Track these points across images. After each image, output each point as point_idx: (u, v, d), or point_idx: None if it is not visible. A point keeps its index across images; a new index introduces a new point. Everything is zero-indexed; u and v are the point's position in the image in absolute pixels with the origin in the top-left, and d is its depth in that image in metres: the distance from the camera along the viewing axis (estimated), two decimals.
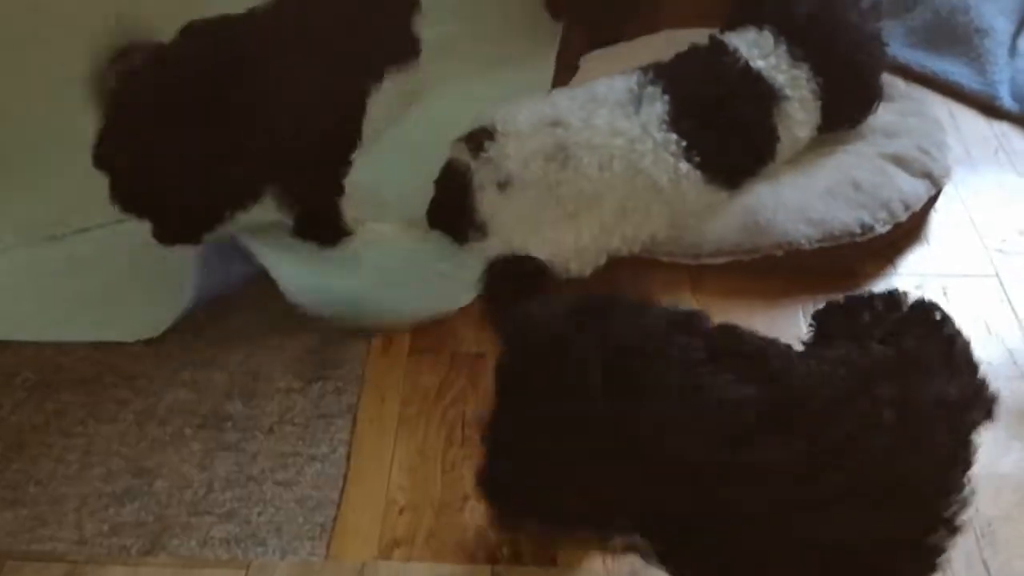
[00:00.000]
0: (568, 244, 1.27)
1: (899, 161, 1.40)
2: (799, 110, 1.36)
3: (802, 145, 1.40)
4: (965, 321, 1.15)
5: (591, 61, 1.66)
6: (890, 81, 1.54)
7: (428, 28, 1.76)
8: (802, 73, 1.36)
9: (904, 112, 1.49)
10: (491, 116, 1.30)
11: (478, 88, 1.56)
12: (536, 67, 1.67)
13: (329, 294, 1.23)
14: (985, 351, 1.22)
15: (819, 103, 1.37)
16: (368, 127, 1.31)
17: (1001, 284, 1.34)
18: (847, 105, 1.41)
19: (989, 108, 1.64)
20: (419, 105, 1.54)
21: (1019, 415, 1.15)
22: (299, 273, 1.23)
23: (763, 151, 1.36)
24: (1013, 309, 1.30)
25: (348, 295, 1.24)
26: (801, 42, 1.36)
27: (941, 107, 1.65)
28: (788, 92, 1.35)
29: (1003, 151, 1.57)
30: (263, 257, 1.22)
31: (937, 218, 1.44)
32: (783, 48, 1.36)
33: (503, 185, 1.25)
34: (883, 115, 1.48)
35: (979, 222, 1.43)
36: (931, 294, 1.30)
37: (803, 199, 1.34)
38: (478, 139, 1.28)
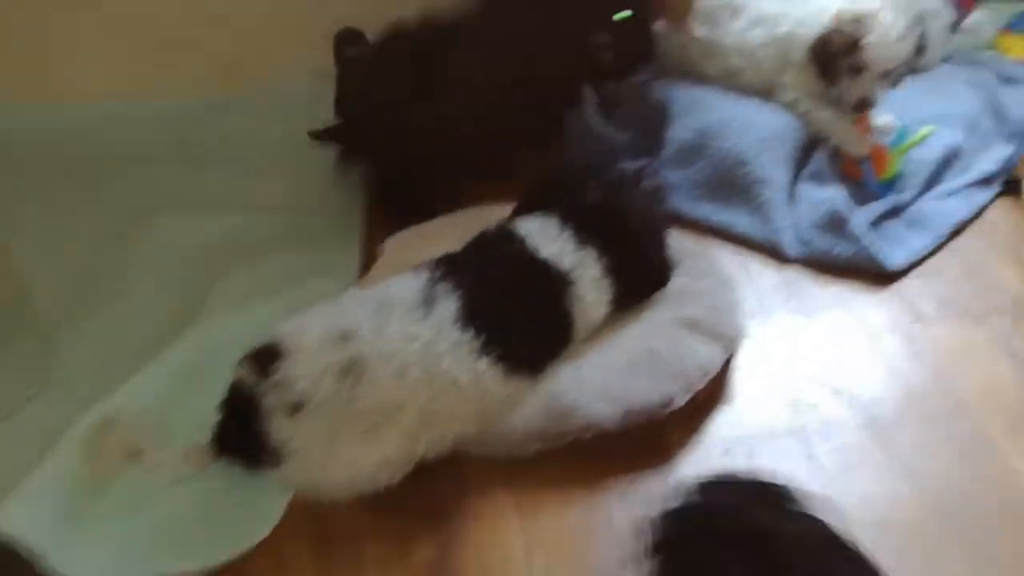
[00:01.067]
0: (371, 459, 1.22)
1: (693, 326, 1.43)
2: (590, 291, 1.38)
3: (599, 322, 1.42)
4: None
5: (390, 245, 1.65)
6: (680, 240, 1.59)
7: (217, 219, 1.75)
8: (589, 257, 1.38)
9: (695, 273, 1.54)
10: (278, 332, 1.25)
11: (271, 298, 1.53)
12: (339, 264, 1.66)
13: (105, 561, 1.14)
14: None
15: (608, 282, 1.40)
16: None
17: (804, 440, 1.36)
18: (637, 283, 1.45)
19: (777, 255, 1.72)
20: (205, 316, 1.51)
21: None
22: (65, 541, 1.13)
23: (559, 336, 1.37)
24: (820, 465, 1.32)
25: (125, 555, 1.15)
26: (587, 226, 1.40)
27: (732, 258, 1.71)
28: (576, 276, 1.37)
29: (795, 298, 1.63)
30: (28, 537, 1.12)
31: (738, 376, 1.47)
32: (568, 234, 1.38)
33: (295, 407, 1.20)
34: (675, 278, 1.52)
35: (778, 376, 1.47)
36: (738, 458, 1.34)
37: (603, 377, 1.35)
38: (265, 358, 1.23)
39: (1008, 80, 2.11)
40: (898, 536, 1.22)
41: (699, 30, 1.97)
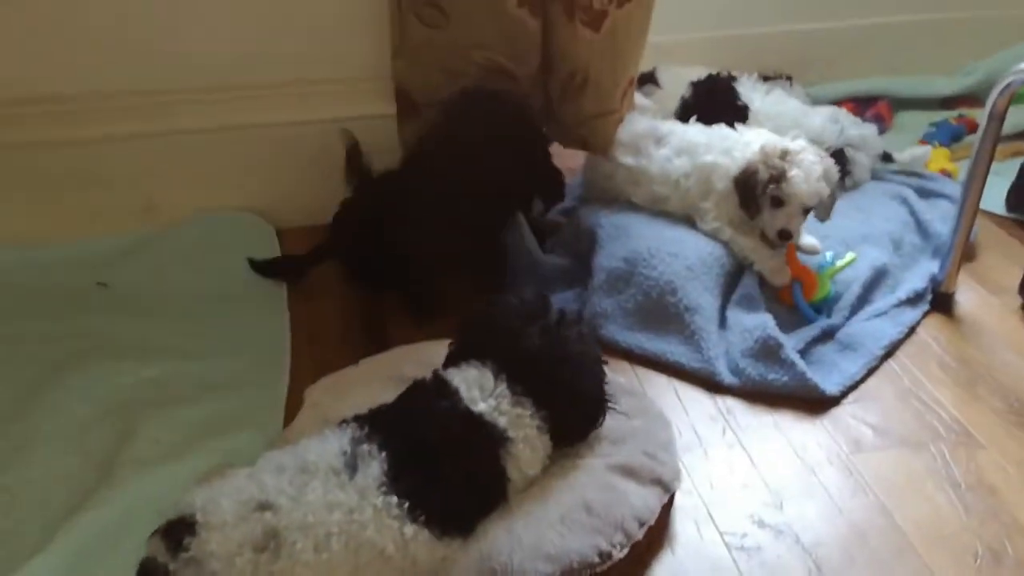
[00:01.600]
0: None
1: (628, 472, 1.39)
2: (525, 449, 1.33)
3: (534, 478, 1.37)
4: None
5: (316, 394, 1.59)
6: (612, 377, 1.57)
7: (134, 368, 1.68)
8: (526, 411, 1.33)
9: (629, 412, 1.50)
10: (190, 503, 1.18)
11: (191, 455, 1.46)
12: (262, 413, 1.59)
13: None
14: None
15: (546, 436, 1.35)
16: None
17: None
18: (574, 431, 1.42)
19: (711, 385, 1.69)
20: (119, 478, 1.43)
21: None
22: None
23: (493, 496, 1.32)
24: None
25: None
26: (524, 377, 1.35)
27: (667, 388, 1.69)
28: (512, 433, 1.31)
29: (730, 429, 1.60)
30: None
31: (679, 516, 1.43)
32: (504, 386, 1.33)
33: None
34: (608, 419, 1.48)
35: (718, 516, 1.43)
36: None
37: (538, 533, 1.29)
38: (177, 532, 1.15)
39: (928, 194, 2.16)
40: None
41: (625, 158, 1.99)
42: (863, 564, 1.34)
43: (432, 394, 1.34)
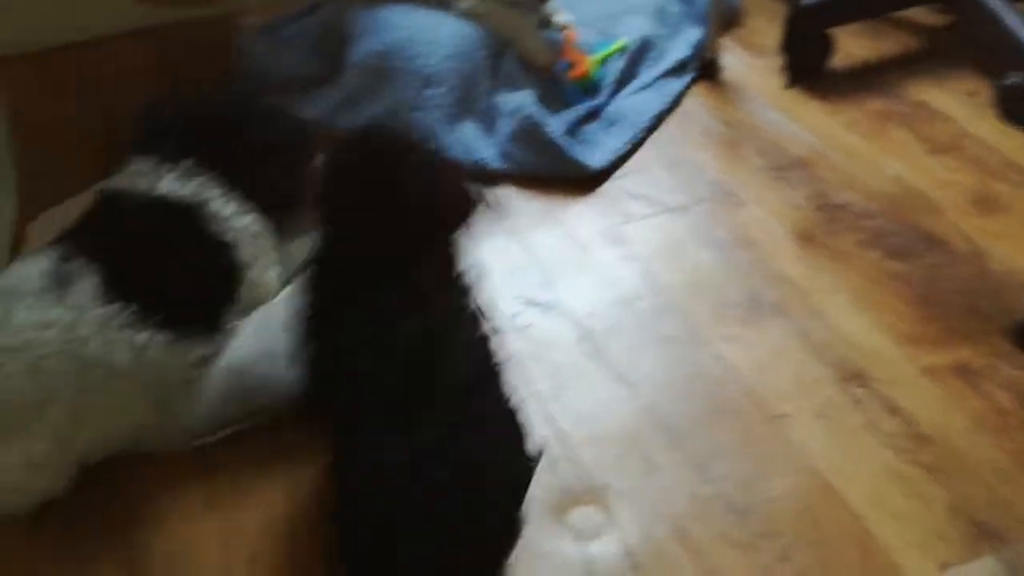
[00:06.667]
0: (14, 464, 1.03)
1: None
2: (228, 210, 1.22)
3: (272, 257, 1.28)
4: None
5: (36, 228, 1.41)
6: None
7: None
8: (206, 179, 1.23)
9: None
10: None
11: None
12: None
13: None
14: None
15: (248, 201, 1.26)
16: None
17: (518, 364, 1.28)
18: (277, 199, 1.31)
19: (484, 175, 1.61)
20: None
21: None
22: None
23: (223, 277, 1.21)
24: (536, 389, 1.25)
25: None
26: (205, 152, 1.24)
27: None
28: (203, 198, 1.21)
29: (502, 216, 1.54)
30: None
31: None
32: (189, 164, 1.22)
33: None
34: None
35: (489, 302, 1.38)
36: None
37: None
38: None
39: None
40: (616, 449, 1.18)
41: None
42: (630, 327, 1.34)
43: (116, 200, 1.22)
